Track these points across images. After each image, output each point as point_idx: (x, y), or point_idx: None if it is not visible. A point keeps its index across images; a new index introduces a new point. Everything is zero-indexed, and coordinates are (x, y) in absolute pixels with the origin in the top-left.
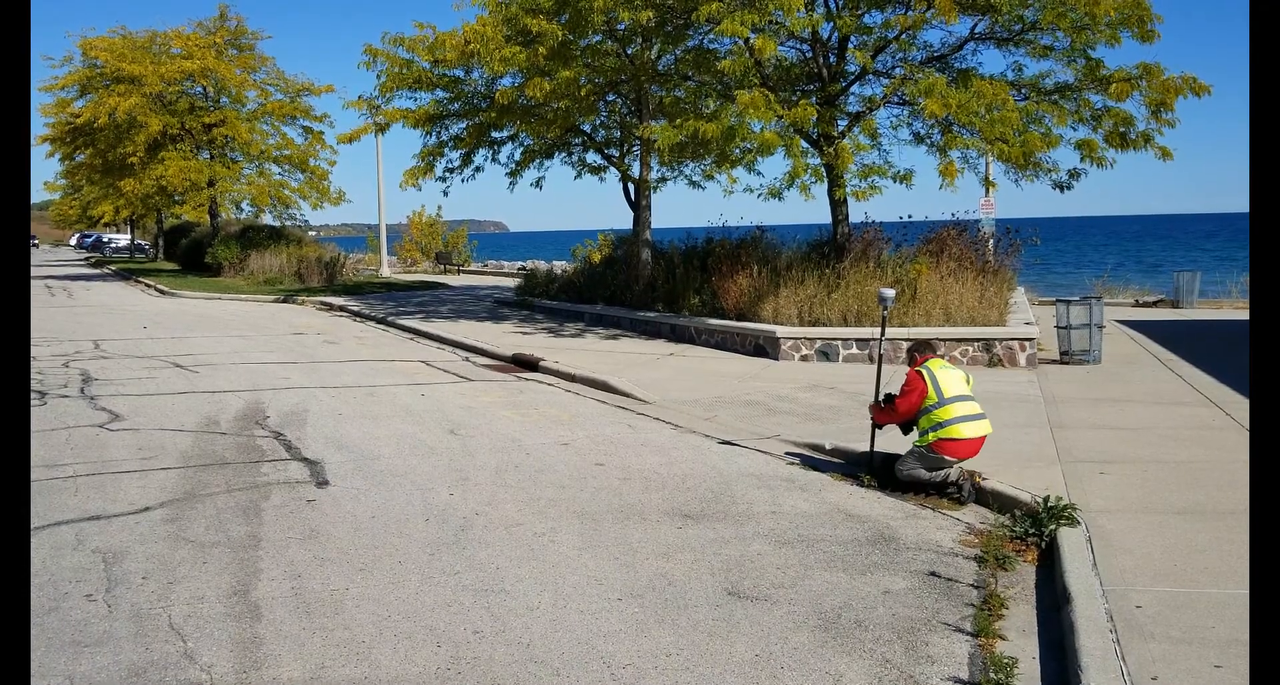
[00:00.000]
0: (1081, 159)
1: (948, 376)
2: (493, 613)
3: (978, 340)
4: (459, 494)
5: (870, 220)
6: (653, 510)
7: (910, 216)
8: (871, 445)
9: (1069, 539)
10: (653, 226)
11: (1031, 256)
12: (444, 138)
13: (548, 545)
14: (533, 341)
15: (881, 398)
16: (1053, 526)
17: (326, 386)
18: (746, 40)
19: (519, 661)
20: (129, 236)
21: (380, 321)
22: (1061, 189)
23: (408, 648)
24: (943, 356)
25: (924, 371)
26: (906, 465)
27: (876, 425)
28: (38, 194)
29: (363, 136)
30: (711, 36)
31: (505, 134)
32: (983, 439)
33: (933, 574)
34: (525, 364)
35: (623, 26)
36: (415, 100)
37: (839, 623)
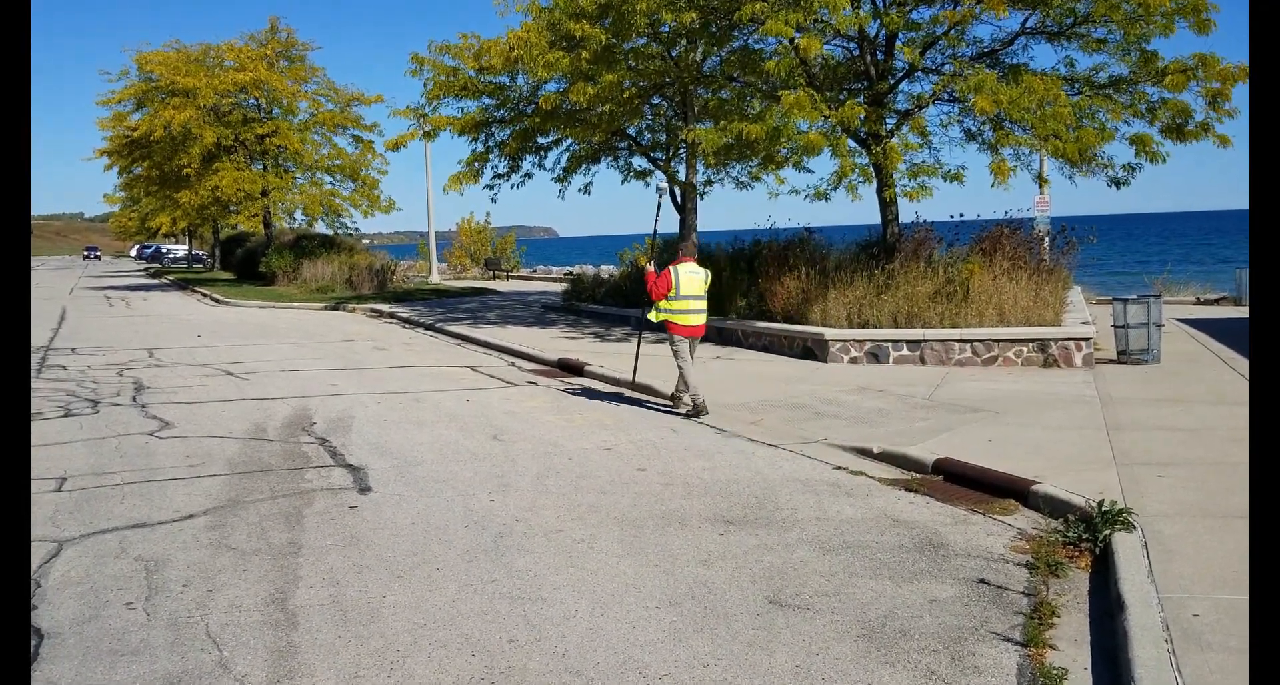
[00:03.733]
0: (1136, 154)
1: (689, 280)
2: (529, 621)
3: (1032, 340)
4: (499, 500)
5: (921, 220)
6: (694, 516)
7: (962, 215)
8: (635, 367)
9: (1124, 544)
10: (700, 230)
11: (1089, 255)
12: (490, 144)
13: (587, 552)
14: (578, 346)
15: (653, 267)
16: (1107, 532)
17: (373, 393)
18: (792, 40)
19: (553, 671)
20: (187, 247)
21: (429, 328)
22: (1118, 185)
23: (442, 657)
24: (695, 263)
25: (673, 271)
26: (678, 366)
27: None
28: (99, 206)
29: (409, 142)
30: (756, 37)
31: (550, 139)
32: (699, 327)
33: (982, 581)
34: (570, 369)
35: (666, 28)
36: (461, 108)
37: (883, 632)
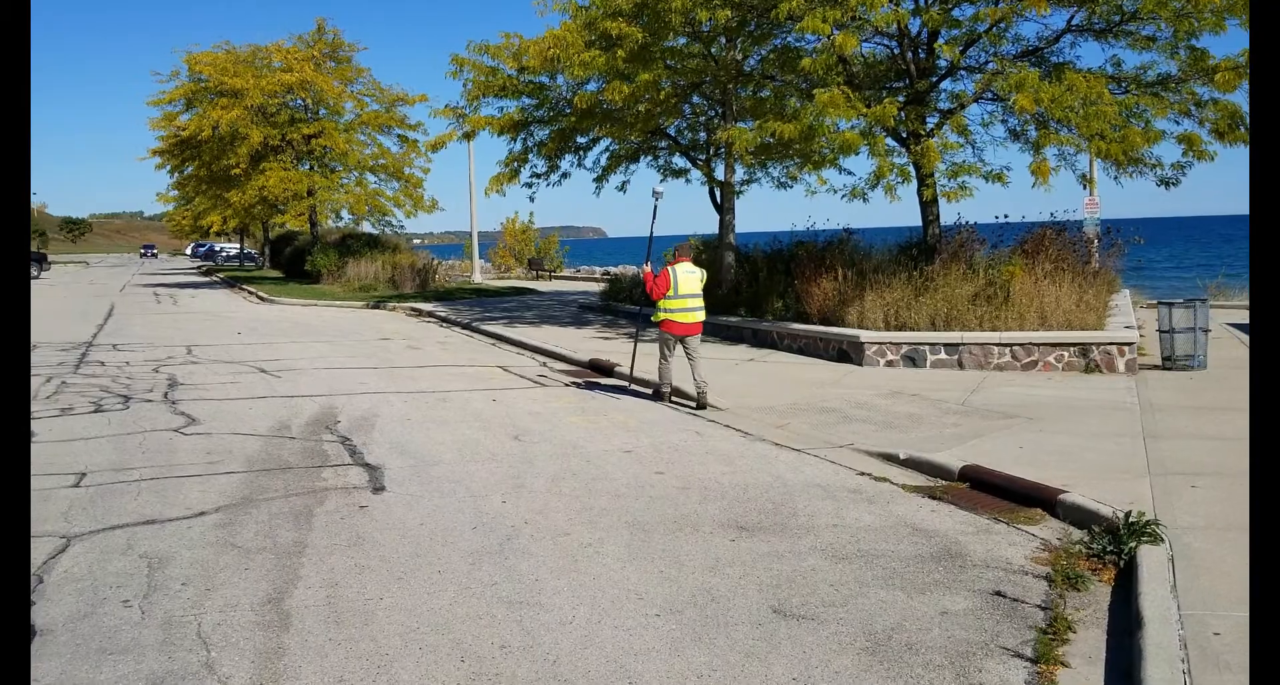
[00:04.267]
0: (1184, 153)
1: (687, 279)
2: (524, 626)
3: (1073, 345)
4: (511, 502)
5: (964, 221)
6: (707, 521)
7: (1006, 217)
8: (633, 361)
9: (1149, 558)
10: (741, 230)
11: (1136, 257)
12: (529, 144)
13: (593, 556)
14: (612, 347)
15: (650, 269)
16: (1133, 544)
17: (401, 392)
18: (830, 37)
19: (542, 679)
20: (239, 245)
21: (465, 327)
22: (1167, 185)
23: (430, 662)
24: (686, 261)
25: (672, 271)
26: (658, 359)
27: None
28: (154, 205)
29: (448, 143)
30: (796, 35)
31: (588, 139)
32: (696, 324)
33: (997, 593)
34: (601, 369)
35: (707, 27)
36: (501, 108)
37: (888, 645)
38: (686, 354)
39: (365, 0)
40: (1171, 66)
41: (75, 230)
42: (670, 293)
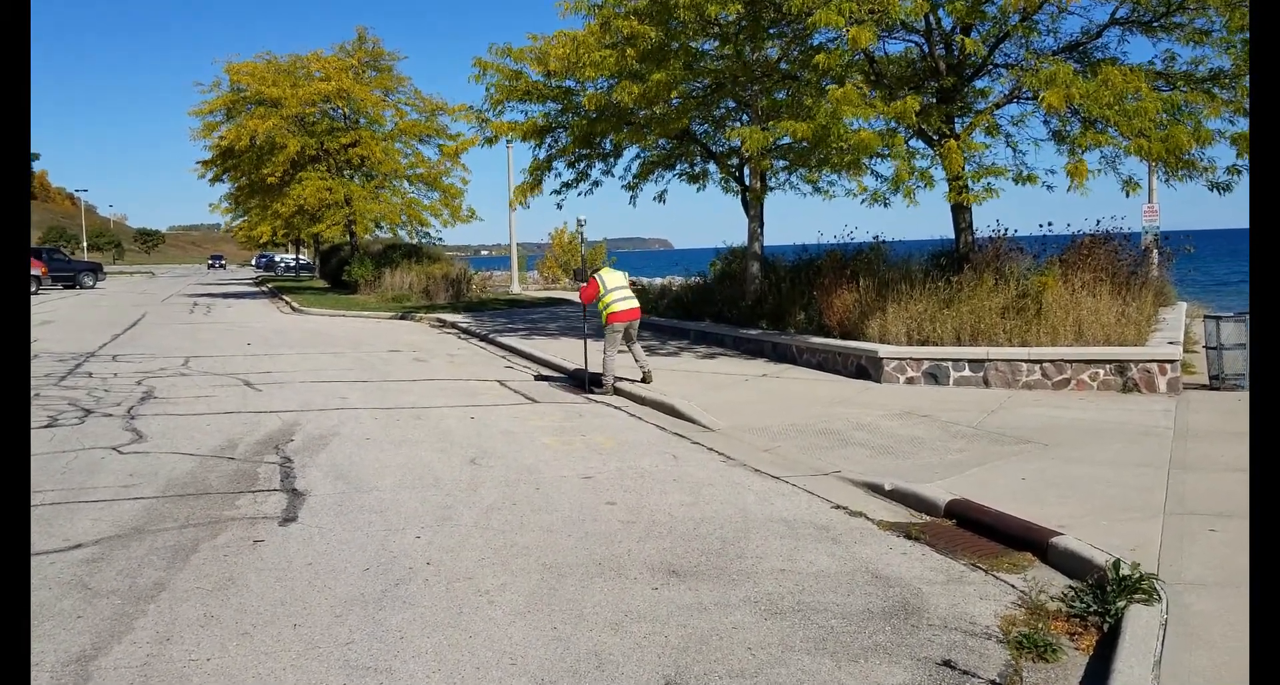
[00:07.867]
0: (1238, 155)
1: (611, 276)
2: None
3: (1109, 362)
4: (427, 537)
5: (1003, 229)
6: (637, 564)
7: (1051, 225)
8: (585, 364)
9: (1137, 622)
10: (777, 242)
11: (1188, 267)
12: (552, 152)
13: (483, 607)
14: (624, 360)
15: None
16: (1121, 603)
17: (376, 408)
18: (846, 30)
19: None
20: (294, 256)
21: (482, 338)
22: (1219, 190)
23: None
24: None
25: (598, 276)
26: (604, 355)
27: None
28: (217, 217)
29: (470, 148)
30: (821, 31)
31: (611, 144)
32: (635, 310)
33: (946, 663)
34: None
35: (740, 27)
36: (525, 113)
37: None
38: (629, 340)
39: (410, 7)
40: (1225, 61)
41: (149, 242)
42: (602, 291)
